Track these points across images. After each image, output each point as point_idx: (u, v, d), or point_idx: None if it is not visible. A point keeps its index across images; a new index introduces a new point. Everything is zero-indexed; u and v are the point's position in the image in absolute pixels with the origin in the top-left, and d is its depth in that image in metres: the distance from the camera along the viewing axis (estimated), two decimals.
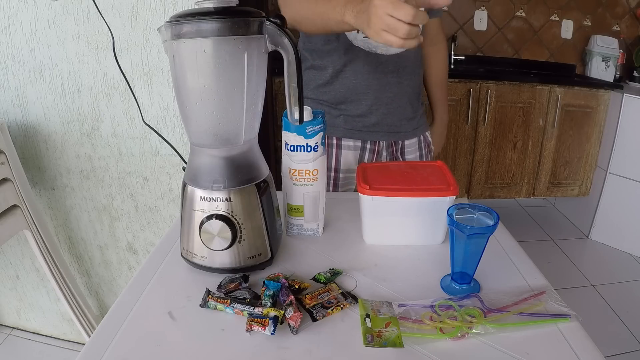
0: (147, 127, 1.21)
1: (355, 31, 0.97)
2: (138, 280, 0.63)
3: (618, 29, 2.80)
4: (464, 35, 2.70)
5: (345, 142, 1.06)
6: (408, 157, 1.11)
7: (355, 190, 1.08)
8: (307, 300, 0.57)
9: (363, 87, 1.01)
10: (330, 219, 0.80)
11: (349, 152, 1.07)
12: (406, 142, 1.11)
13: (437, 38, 1.18)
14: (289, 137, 0.68)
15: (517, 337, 0.51)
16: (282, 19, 0.58)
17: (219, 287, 0.60)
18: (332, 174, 1.06)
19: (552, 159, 2.51)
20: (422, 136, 1.15)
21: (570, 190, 2.60)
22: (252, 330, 0.51)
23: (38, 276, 1.53)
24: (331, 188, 1.06)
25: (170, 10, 1.17)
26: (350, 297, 0.58)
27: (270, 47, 0.59)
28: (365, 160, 1.08)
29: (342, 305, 0.56)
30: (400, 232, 0.72)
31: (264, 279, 0.60)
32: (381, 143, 1.08)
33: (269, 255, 0.65)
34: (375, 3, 0.63)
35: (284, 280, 0.59)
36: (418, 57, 1.08)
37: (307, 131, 0.67)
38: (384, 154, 1.10)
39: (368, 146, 1.07)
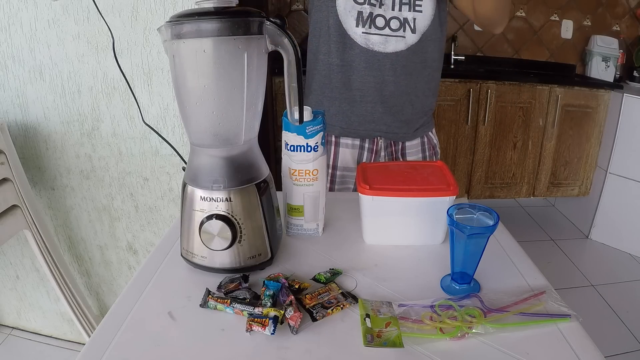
0: (147, 127, 1.21)
1: (354, 25, 0.97)
2: (138, 280, 0.63)
3: (618, 29, 2.80)
4: (464, 35, 2.70)
5: (344, 141, 1.06)
6: (409, 158, 1.10)
7: (354, 190, 1.08)
8: (307, 300, 0.57)
9: (358, 83, 1.01)
10: (330, 219, 0.80)
11: (347, 150, 1.07)
12: (407, 144, 1.09)
13: None
14: (289, 137, 0.68)
15: (517, 337, 0.51)
16: (282, 19, 0.58)
17: (219, 287, 0.60)
18: (330, 170, 1.06)
19: (552, 159, 2.51)
20: (425, 137, 1.12)
21: (570, 190, 2.60)
22: (252, 330, 0.51)
23: (38, 276, 1.53)
24: (328, 185, 1.06)
25: (170, 10, 1.17)
26: (350, 297, 0.58)
27: (270, 47, 0.59)
28: (364, 159, 1.07)
29: (342, 305, 0.56)
30: (400, 232, 0.72)
31: (264, 279, 0.60)
32: (379, 142, 1.07)
33: (269, 255, 0.65)
34: None
35: (284, 280, 0.59)
36: (419, 58, 1.01)
37: (307, 131, 0.67)
38: (383, 153, 1.08)
39: (366, 145, 1.07)
